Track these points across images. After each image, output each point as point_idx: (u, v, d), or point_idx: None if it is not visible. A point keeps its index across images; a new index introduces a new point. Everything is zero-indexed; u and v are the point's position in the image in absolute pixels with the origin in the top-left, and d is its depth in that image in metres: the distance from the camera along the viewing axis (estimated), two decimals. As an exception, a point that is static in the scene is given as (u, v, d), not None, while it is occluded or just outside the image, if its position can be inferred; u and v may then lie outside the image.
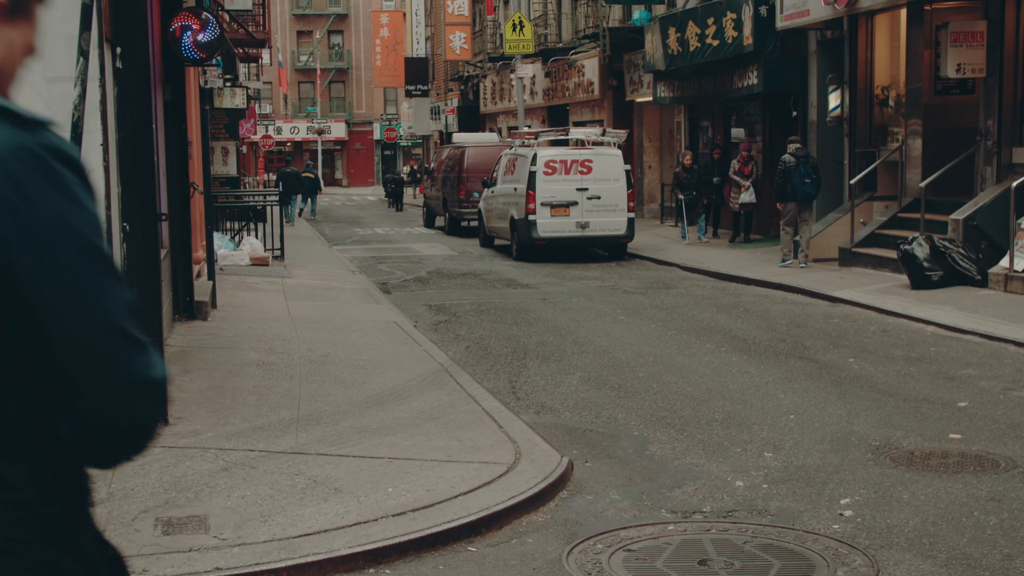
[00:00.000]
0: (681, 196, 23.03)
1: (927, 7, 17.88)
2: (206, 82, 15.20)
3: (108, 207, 6.85)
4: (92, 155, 6.75)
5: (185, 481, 6.20)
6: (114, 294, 1.66)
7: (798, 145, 18.46)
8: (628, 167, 21.77)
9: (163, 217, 8.66)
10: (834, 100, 20.19)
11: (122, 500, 5.86)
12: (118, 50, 7.24)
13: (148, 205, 7.40)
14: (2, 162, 1.59)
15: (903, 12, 18.47)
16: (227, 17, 21.06)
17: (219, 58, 14.53)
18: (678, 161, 24.86)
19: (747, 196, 21.92)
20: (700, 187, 22.87)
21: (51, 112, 6.65)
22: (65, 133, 6.56)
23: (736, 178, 22.08)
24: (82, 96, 6.59)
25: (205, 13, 10.67)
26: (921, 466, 6.99)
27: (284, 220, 20.61)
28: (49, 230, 1.60)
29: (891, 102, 19.71)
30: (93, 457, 1.75)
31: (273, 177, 46.14)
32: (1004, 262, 14.40)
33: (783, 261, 18.19)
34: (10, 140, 1.61)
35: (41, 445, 1.68)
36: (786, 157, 18.12)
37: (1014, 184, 14.56)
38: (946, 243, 14.92)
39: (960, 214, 15.50)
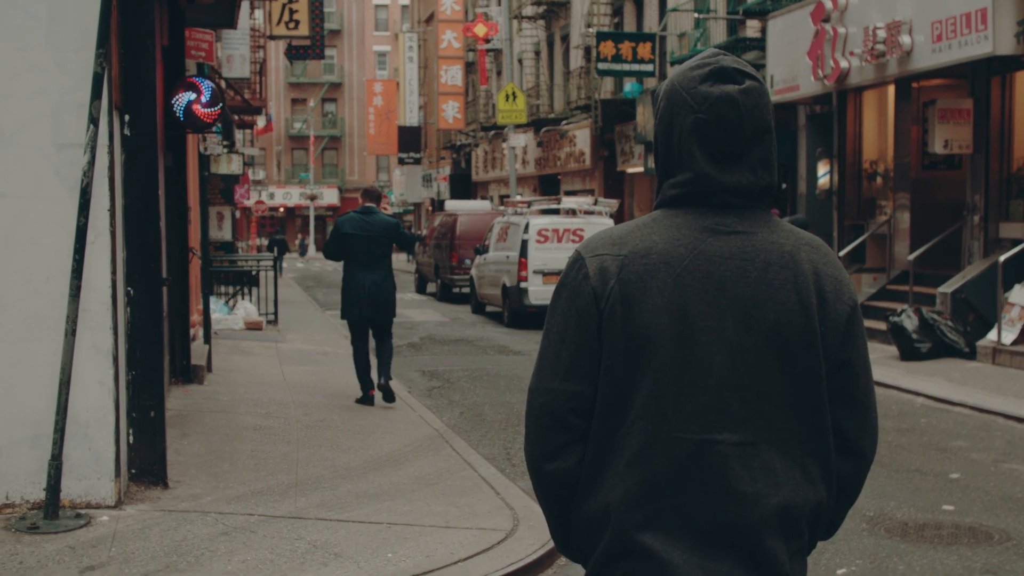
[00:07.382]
0: None
1: (915, 84, 18.22)
2: (206, 148, 15.37)
3: (114, 272, 6.93)
4: (99, 220, 6.84)
5: (185, 545, 6.23)
6: None
7: None
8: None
9: (167, 282, 8.74)
10: (823, 173, 20.47)
11: (122, 564, 5.89)
12: (126, 117, 7.37)
13: (153, 270, 7.48)
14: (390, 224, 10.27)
15: (891, 88, 18.82)
16: (224, 84, 21.29)
17: (219, 125, 14.69)
18: None
19: None
20: None
21: (60, 177, 6.78)
22: (74, 198, 6.68)
23: None
24: (91, 162, 6.72)
25: (208, 82, 10.83)
26: (915, 537, 7.05)
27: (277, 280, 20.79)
28: None
29: (879, 176, 19.99)
30: None
31: (265, 242, 46.38)
32: (992, 335, 14.56)
33: None
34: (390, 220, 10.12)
35: None
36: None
37: (1001, 258, 14.77)
38: (935, 315, 15.08)
39: (948, 287, 15.68)
